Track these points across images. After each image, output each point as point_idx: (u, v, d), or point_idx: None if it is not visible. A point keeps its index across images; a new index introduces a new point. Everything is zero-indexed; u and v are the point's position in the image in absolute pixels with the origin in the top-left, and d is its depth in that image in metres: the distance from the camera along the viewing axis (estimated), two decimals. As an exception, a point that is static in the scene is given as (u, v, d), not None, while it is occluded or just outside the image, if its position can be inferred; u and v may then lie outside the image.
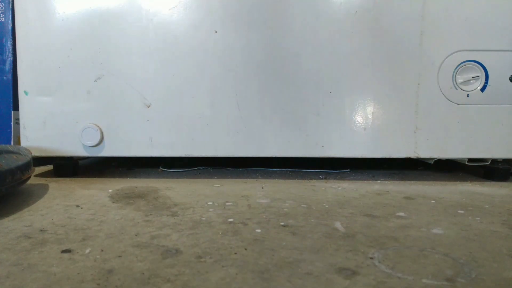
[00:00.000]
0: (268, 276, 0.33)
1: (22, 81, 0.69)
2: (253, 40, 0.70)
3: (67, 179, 0.72)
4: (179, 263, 0.35)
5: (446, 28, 0.70)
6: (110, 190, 0.64)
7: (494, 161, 0.77)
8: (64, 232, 0.43)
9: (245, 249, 0.38)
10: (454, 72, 0.71)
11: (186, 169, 0.82)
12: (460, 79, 0.71)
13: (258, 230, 0.44)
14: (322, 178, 0.76)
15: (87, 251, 0.38)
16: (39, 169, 0.80)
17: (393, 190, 0.68)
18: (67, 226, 0.45)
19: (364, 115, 0.72)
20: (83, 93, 0.70)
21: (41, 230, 0.44)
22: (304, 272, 0.34)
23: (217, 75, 0.70)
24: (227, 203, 0.55)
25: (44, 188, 0.64)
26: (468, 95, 0.72)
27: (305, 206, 0.55)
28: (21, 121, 0.70)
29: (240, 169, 0.83)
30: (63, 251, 0.38)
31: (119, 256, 0.36)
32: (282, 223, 0.47)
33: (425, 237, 0.43)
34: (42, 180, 0.70)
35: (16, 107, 0.73)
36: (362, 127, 0.72)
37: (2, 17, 0.74)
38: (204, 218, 0.48)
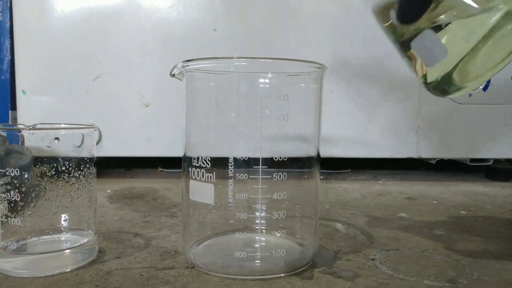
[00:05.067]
0: (268, 278, 0.32)
1: (20, 81, 0.69)
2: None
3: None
4: (178, 264, 0.35)
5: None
6: (108, 191, 0.63)
7: (496, 161, 0.77)
8: (62, 233, 0.43)
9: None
10: (456, 71, 0.71)
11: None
12: (462, 78, 0.71)
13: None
14: (323, 179, 0.75)
15: (85, 252, 0.37)
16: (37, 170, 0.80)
17: (395, 190, 0.68)
18: (65, 227, 0.45)
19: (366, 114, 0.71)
20: (81, 92, 0.69)
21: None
22: (305, 273, 0.33)
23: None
24: (228, 204, 0.55)
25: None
26: (470, 95, 0.72)
27: (305, 206, 0.54)
28: (19, 121, 0.69)
29: (242, 169, 0.83)
30: (61, 252, 0.37)
31: (118, 258, 0.36)
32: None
33: (427, 238, 0.43)
34: (40, 180, 0.70)
35: (14, 107, 0.72)
36: (364, 126, 0.72)
37: (0, 15, 0.74)
38: (206, 220, 0.48)
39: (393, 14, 0.33)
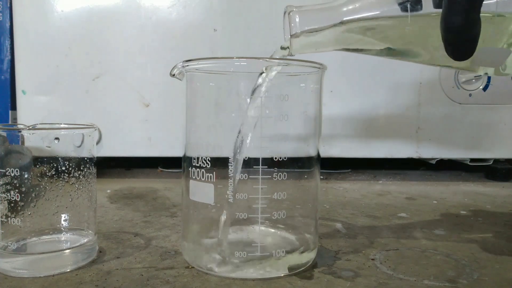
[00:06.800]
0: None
1: (20, 81, 0.69)
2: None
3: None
4: (178, 264, 0.35)
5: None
6: (108, 191, 0.63)
7: (496, 161, 0.77)
8: (62, 233, 0.43)
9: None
10: (456, 71, 0.71)
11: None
12: (462, 78, 0.71)
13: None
14: (323, 178, 0.75)
15: (85, 252, 0.37)
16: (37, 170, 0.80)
17: (395, 190, 0.68)
18: (65, 227, 0.45)
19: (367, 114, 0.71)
20: (81, 92, 0.69)
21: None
22: (305, 273, 0.33)
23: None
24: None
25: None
26: (470, 95, 0.72)
27: (305, 206, 0.54)
28: (19, 121, 0.69)
29: (242, 169, 0.83)
30: (61, 252, 0.37)
31: (118, 258, 0.36)
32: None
33: (427, 238, 0.43)
34: (40, 180, 0.70)
35: (14, 107, 0.72)
36: (364, 126, 0.72)
37: (0, 15, 0.74)
38: (206, 220, 0.48)
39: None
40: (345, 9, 0.34)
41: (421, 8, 0.33)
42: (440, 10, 0.30)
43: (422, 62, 0.38)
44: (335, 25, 0.35)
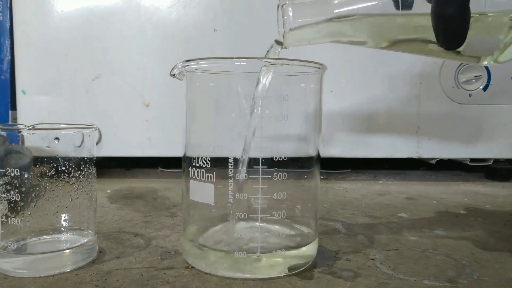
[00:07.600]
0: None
1: (20, 81, 0.69)
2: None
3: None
4: (178, 264, 0.35)
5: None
6: (108, 191, 0.63)
7: (496, 161, 0.77)
8: (62, 233, 0.43)
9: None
10: (456, 71, 0.71)
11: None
12: (462, 78, 0.71)
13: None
14: (323, 179, 0.75)
15: (85, 252, 0.37)
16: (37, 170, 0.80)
17: (395, 190, 0.68)
18: (65, 227, 0.45)
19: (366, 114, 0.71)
20: (81, 92, 0.69)
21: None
22: (305, 273, 0.33)
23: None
24: (228, 204, 0.55)
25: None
26: (470, 95, 0.72)
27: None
28: (19, 121, 0.69)
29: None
30: (61, 252, 0.37)
31: (118, 258, 0.36)
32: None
33: (427, 238, 0.43)
34: (40, 180, 0.70)
35: (14, 107, 0.72)
36: (364, 126, 0.72)
37: (0, 15, 0.74)
38: (206, 220, 0.48)
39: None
40: (336, 1, 0.34)
41: None
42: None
43: (415, 53, 0.38)
44: (327, 19, 0.34)
